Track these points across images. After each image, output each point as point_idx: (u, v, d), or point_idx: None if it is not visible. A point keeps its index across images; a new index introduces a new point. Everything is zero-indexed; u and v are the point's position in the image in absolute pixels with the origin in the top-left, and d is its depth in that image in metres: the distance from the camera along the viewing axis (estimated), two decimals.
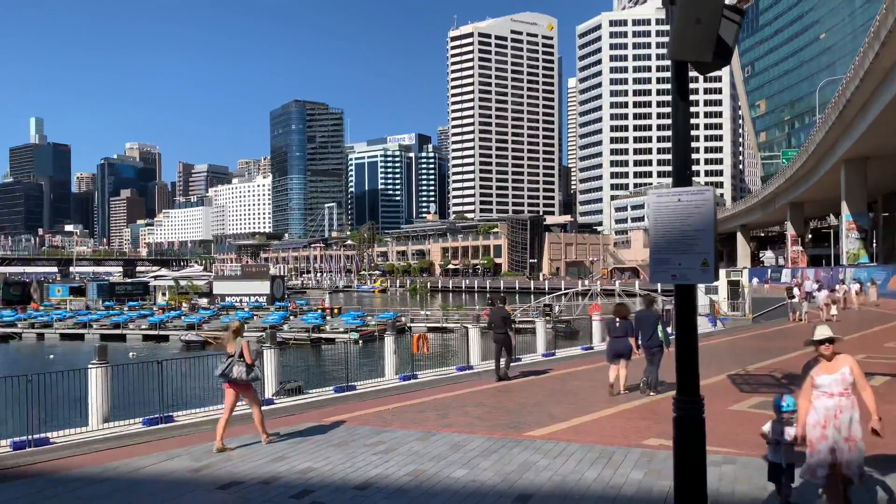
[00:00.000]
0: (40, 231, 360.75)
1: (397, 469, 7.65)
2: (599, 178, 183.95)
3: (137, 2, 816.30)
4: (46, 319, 50.99)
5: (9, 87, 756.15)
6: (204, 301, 65.89)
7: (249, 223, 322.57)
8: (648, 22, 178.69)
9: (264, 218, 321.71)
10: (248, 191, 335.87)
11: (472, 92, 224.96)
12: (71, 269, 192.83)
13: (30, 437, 10.50)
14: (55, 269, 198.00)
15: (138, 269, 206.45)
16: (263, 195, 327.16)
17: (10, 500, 7.05)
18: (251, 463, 8.16)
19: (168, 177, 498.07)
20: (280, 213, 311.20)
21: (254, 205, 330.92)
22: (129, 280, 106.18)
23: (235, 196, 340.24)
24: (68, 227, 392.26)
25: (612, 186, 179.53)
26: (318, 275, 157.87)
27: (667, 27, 4.70)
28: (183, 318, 49.74)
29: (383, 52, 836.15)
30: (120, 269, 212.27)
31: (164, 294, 74.20)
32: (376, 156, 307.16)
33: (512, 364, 15.73)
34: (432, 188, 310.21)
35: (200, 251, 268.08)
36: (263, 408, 10.66)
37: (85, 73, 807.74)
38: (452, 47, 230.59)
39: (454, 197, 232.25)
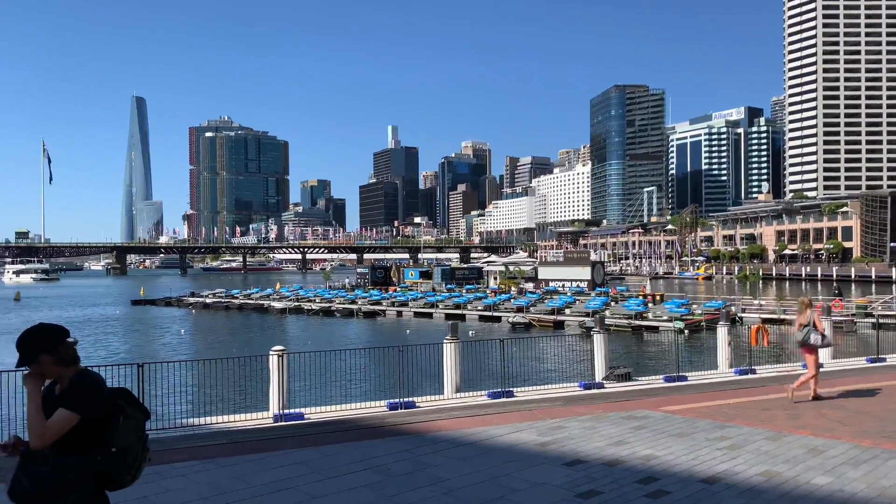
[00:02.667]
0: (395, 223, 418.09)
1: (746, 468, 7.25)
2: None
3: (479, 12, 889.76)
4: (403, 299, 59.01)
5: (372, 99, 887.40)
6: (530, 285, 69.58)
7: (569, 211, 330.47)
8: None
9: (583, 205, 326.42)
10: (568, 179, 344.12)
11: (815, 53, 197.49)
12: (419, 255, 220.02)
13: (401, 399, 12.34)
14: (407, 255, 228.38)
15: (472, 255, 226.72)
16: (582, 183, 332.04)
17: (393, 451, 8.40)
18: (593, 444, 8.47)
19: (497, 170, 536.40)
20: (598, 199, 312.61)
21: (573, 192, 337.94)
22: (466, 265, 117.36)
23: (556, 185, 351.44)
24: (416, 219, 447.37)
25: None
26: (637, 260, 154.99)
27: None
28: (512, 301, 53.21)
29: (706, 23, 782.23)
30: (457, 255, 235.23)
31: (495, 278, 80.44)
32: (699, 134, 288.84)
33: (876, 364, 13.64)
34: (764, 166, 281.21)
35: (524, 238, 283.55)
36: (593, 391, 10.94)
37: (430, 82, 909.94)
38: (791, 6, 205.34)
39: (791, 174, 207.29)
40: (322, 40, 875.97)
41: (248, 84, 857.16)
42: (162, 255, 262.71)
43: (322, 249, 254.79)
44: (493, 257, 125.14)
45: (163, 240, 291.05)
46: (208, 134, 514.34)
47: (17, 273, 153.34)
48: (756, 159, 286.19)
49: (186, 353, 34.05)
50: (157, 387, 12.78)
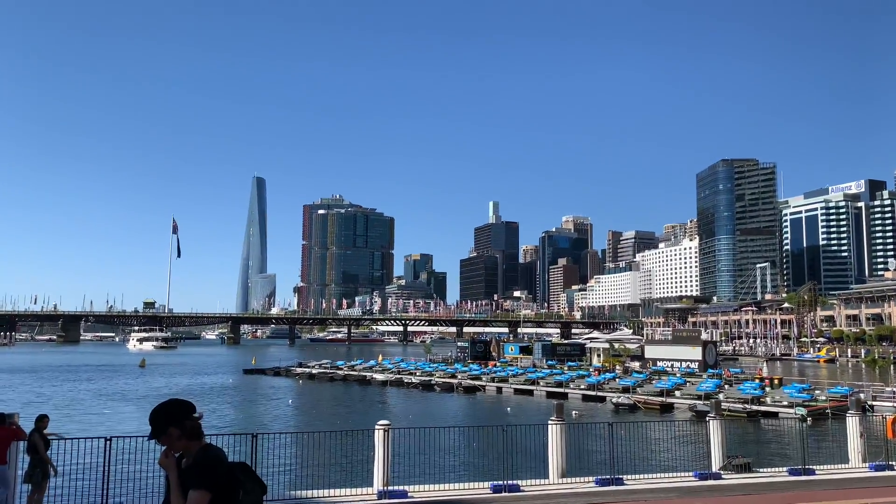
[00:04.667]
0: (495, 297, 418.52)
1: None
2: None
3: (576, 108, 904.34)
4: (503, 374, 58.37)
5: (474, 174, 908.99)
6: (636, 364, 67.04)
7: (676, 286, 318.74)
8: None
9: (691, 281, 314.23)
10: (675, 254, 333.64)
11: None
12: (519, 329, 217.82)
13: (505, 482, 12.12)
14: (506, 329, 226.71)
15: (573, 330, 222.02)
16: (690, 258, 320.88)
17: None
18: None
19: (598, 245, 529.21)
20: (707, 275, 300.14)
21: (680, 268, 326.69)
22: (567, 341, 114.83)
23: (662, 260, 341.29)
24: (516, 293, 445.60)
25: None
26: (752, 340, 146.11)
27: None
28: (618, 380, 51.33)
29: (819, 94, 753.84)
30: (558, 330, 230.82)
31: (598, 355, 78.06)
32: (815, 209, 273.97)
33: None
34: (889, 241, 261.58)
35: (629, 314, 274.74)
36: (710, 482, 10.29)
37: (532, 157, 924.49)
38: None
39: None
40: (428, 122, 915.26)
41: (359, 164, 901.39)
42: (273, 326, 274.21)
43: (423, 322, 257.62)
44: (596, 333, 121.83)
45: (274, 311, 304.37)
46: (321, 211, 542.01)
47: (141, 341, 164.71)
48: (881, 233, 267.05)
49: (294, 424, 34.95)
50: (266, 457, 13.23)
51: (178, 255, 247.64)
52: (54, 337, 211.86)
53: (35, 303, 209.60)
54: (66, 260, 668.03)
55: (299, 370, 70.69)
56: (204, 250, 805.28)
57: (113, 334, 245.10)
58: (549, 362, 70.34)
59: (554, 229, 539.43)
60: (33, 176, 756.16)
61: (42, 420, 11.47)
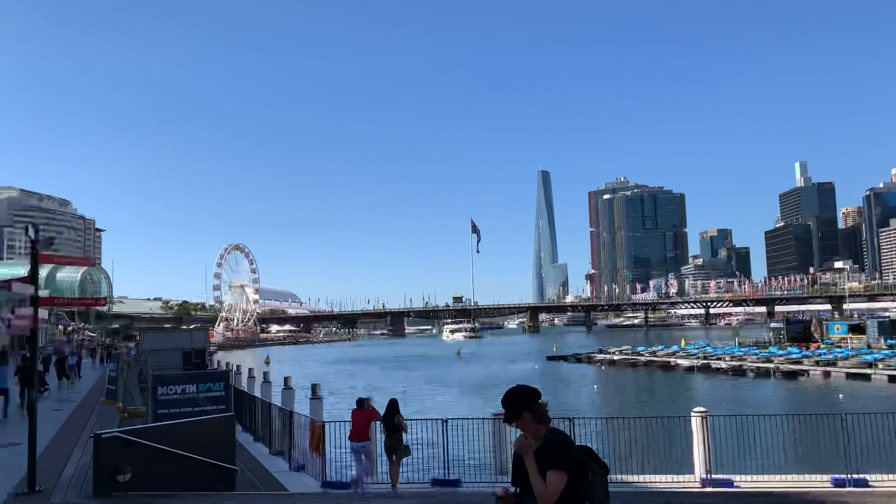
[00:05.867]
0: (811, 270, 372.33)
1: None
2: None
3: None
4: (830, 357, 51.92)
5: (772, 136, 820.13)
6: None
7: None
8: None
9: None
10: None
11: None
12: (843, 305, 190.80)
13: (848, 476, 11.00)
14: (827, 306, 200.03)
15: None
16: None
17: None
18: None
19: None
20: None
21: None
22: None
23: None
24: (837, 264, 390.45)
25: None
26: None
27: None
28: None
29: None
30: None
31: None
32: None
33: None
34: None
35: None
36: None
37: (845, 102, 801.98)
38: None
39: None
40: (709, 82, 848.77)
41: (640, 143, 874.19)
42: (569, 314, 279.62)
43: (726, 303, 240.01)
44: None
45: (568, 299, 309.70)
46: (606, 196, 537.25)
47: (453, 332, 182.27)
48: None
49: (603, 409, 35.46)
50: (582, 441, 13.79)
51: (478, 251, 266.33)
52: (385, 331, 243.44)
53: (368, 303, 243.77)
54: (389, 266, 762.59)
55: (600, 356, 71.14)
56: (499, 245, 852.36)
57: (430, 327, 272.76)
58: (889, 342, 60.52)
59: (881, 185, 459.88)
60: (366, 198, 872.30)
61: (394, 403, 13.52)
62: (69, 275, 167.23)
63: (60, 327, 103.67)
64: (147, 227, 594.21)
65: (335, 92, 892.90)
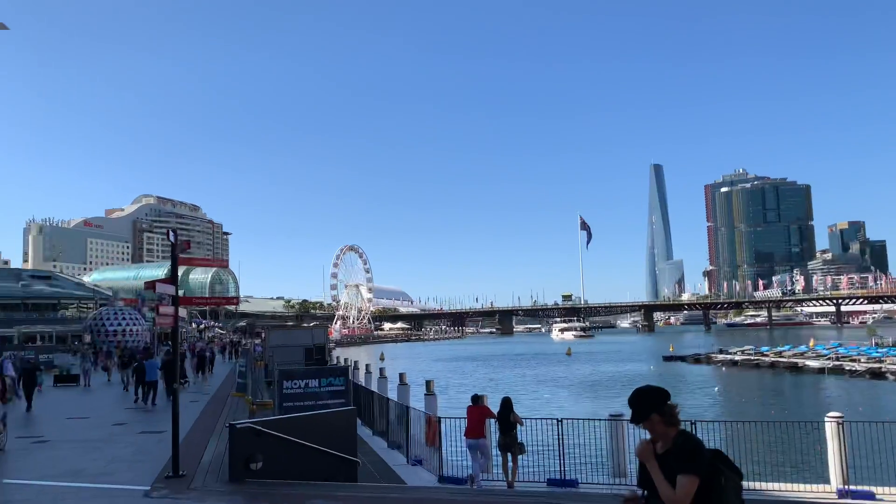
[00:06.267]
0: None
1: None
2: None
3: None
4: None
5: None
6: None
7: None
8: None
9: None
10: None
11: None
12: None
13: None
14: None
15: None
16: None
17: None
18: None
19: None
20: None
21: None
22: None
23: None
24: None
25: None
26: None
27: None
28: None
29: None
30: None
31: None
32: None
33: None
34: None
35: None
36: None
37: None
38: None
39: None
40: (834, 58, 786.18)
41: (759, 132, 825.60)
42: (685, 312, 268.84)
43: (860, 300, 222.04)
44: None
45: (685, 297, 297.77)
46: (723, 189, 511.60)
47: (562, 331, 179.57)
48: None
49: (725, 413, 33.87)
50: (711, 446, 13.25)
51: (587, 247, 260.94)
52: (493, 330, 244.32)
53: (477, 302, 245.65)
54: (497, 264, 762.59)
55: (720, 357, 67.90)
56: (610, 242, 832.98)
57: (539, 326, 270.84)
58: None
59: None
60: (474, 197, 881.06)
61: (508, 400, 13.59)
62: (200, 276, 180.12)
63: (194, 325, 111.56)
64: (268, 230, 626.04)
65: (444, 92, 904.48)
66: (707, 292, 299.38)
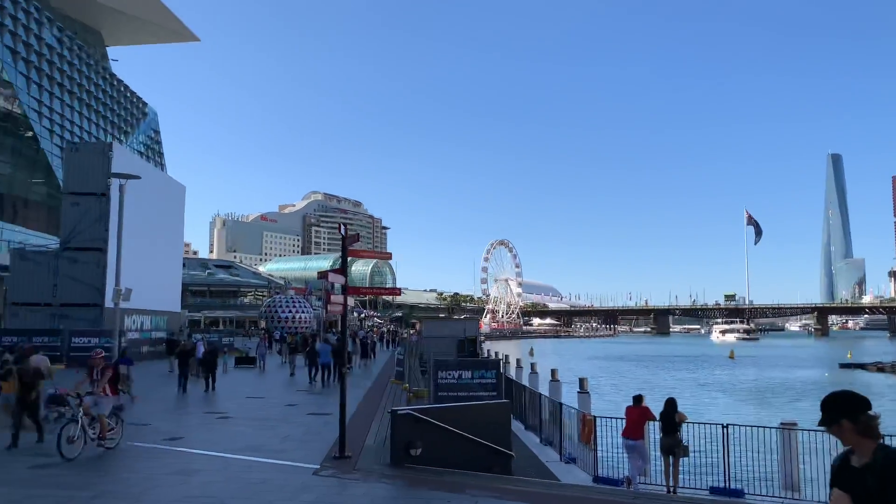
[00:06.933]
0: None
1: None
2: None
3: None
4: None
5: None
6: None
7: None
8: None
9: None
10: None
11: None
12: None
13: None
14: None
15: None
16: None
17: None
18: None
19: None
20: None
21: None
22: None
23: None
24: None
25: None
26: None
27: None
28: None
29: None
30: None
31: None
32: None
33: None
34: None
35: None
36: None
37: None
38: None
39: None
40: None
41: None
42: (866, 316, 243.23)
43: None
44: None
45: (866, 299, 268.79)
46: None
47: (723, 332, 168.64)
48: None
49: None
50: None
51: (755, 244, 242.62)
52: (647, 329, 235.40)
53: (630, 299, 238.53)
54: (652, 261, 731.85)
55: None
56: (778, 239, 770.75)
57: (698, 326, 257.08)
58: None
59: None
60: (627, 190, 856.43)
61: (673, 401, 13.09)
62: (361, 267, 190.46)
63: (355, 314, 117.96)
64: (421, 224, 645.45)
65: (601, 89, 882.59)
66: (893, 294, 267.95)
